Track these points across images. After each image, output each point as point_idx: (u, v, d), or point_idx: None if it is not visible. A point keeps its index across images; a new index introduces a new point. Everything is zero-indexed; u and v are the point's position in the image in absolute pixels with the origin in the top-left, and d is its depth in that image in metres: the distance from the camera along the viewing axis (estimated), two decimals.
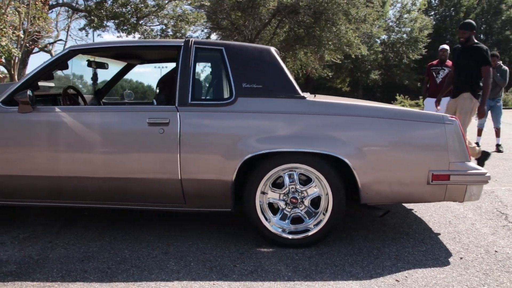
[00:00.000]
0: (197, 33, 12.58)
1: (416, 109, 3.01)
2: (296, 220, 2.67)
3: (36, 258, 2.51)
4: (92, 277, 2.25)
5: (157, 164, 2.62)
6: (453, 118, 2.58)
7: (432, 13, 33.66)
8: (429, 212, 3.37)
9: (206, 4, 10.27)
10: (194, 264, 2.41)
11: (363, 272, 2.30)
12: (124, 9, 9.01)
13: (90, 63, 3.48)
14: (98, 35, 11.61)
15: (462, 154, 2.55)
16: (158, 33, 10.00)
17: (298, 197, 2.63)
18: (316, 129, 2.56)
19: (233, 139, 2.56)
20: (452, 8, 32.49)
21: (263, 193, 2.63)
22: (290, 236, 2.63)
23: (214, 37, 15.46)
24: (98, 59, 3.52)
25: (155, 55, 3.68)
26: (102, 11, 8.91)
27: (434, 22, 31.24)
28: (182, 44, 2.75)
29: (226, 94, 2.66)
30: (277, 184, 2.66)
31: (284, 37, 12.78)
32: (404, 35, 29.88)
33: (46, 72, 2.83)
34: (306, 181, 2.64)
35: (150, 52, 3.42)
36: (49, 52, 14.14)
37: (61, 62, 2.86)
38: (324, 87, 31.47)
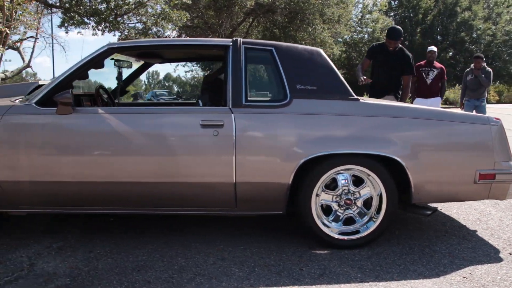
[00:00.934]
0: (167, 32, 12.31)
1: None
2: (348, 221, 2.72)
3: (86, 269, 2.40)
4: None
5: (210, 168, 2.58)
6: (498, 120, 2.73)
7: (392, 14, 34.94)
8: (454, 210, 3.53)
9: (188, 2, 10.09)
10: (259, 270, 2.39)
11: (427, 271, 2.38)
12: (104, 6, 8.66)
13: (115, 62, 3.36)
14: (78, 32, 11.03)
15: (506, 154, 2.69)
16: (140, 31, 9.70)
17: (352, 198, 2.68)
18: (371, 130, 2.62)
19: (289, 141, 2.57)
20: (411, 10, 33.86)
21: (317, 195, 2.66)
22: (345, 238, 2.68)
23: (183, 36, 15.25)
24: (121, 58, 3.40)
25: (195, 54, 3.59)
26: (81, 7, 8.50)
27: (393, 23, 32.42)
28: (231, 44, 2.72)
29: (280, 96, 2.66)
30: (328, 186, 2.70)
31: (261, 36, 12.85)
32: (366, 36, 30.86)
33: (82, 71, 2.72)
34: (357, 182, 2.70)
35: (193, 51, 3.34)
36: (17, 49, 13.35)
37: (98, 60, 2.75)
38: None
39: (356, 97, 2.68)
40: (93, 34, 9.52)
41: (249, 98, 2.62)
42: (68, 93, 2.50)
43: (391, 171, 2.65)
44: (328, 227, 2.68)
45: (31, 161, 2.59)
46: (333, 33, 14.62)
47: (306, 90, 2.63)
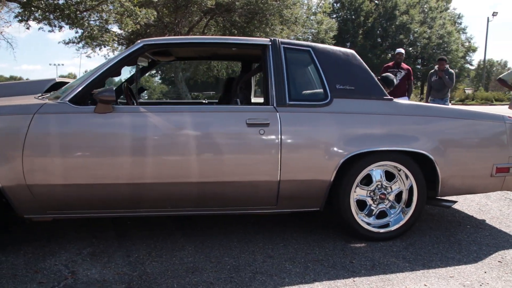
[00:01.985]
0: (115, 28, 11.86)
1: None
2: (380, 215, 2.90)
3: (136, 274, 2.36)
4: None
5: (255, 166, 2.64)
6: (511, 117, 3.03)
7: (334, 16, 36.27)
8: None
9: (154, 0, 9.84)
10: (312, 265, 2.49)
11: (464, 258, 2.61)
12: (64, 1, 8.16)
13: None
14: (40, 28, 10.23)
15: None
16: (103, 29, 9.26)
17: (385, 193, 2.86)
18: (404, 128, 2.81)
19: (332, 139, 2.69)
20: (353, 12, 35.37)
21: (354, 191, 2.80)
22: (380, 230, 2.85)
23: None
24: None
25: (226, 53, 3.60)
26: (42, 1, 7.92)
27: (337, 25, 33.70)
28: (270, 43, 2.79)
29: (321, 95, 2.77)
30: (361, 182, 2.85)
31: (219, 35, 12.86)
32: (310, 37, 31.77)
33: (117, 68, 2.65)
34: (388, 177, 2.88)
35: (226, 50, 3.32)
36: None
37: (133, 57, 2.69)
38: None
39: (390, 97, 2.86)
40: (49, 31, 9.01)
41: (292, 98, 2.71)
42: (112, 90, 2.43)
43: (420, 167, 2.87)
44: (363, 221, 2.84)
45: (66, 163, 2.48)
46: (288, 34, 14.96)
47: (345, 90, 2.77)
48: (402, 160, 2.80)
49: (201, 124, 2.61)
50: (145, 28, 11.98)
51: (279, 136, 2.62)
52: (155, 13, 10.11)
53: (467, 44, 40.60)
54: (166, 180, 2.57)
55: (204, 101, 4.08)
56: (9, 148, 2.43)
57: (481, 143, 2.95)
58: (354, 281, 2.29)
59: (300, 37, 31.49)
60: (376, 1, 35.72)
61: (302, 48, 2.85)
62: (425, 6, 36.65)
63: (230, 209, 2.77)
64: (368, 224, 2.85)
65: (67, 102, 2.52)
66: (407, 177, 2.85)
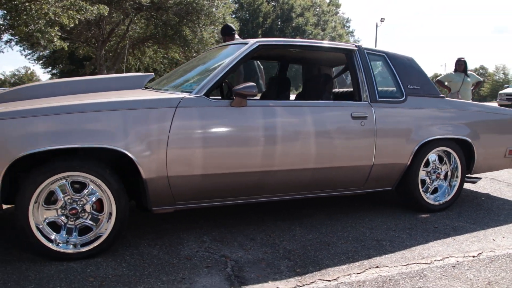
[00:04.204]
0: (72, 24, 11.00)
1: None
2: (434, 190, 3.68)
3: (281, 252, 2.77)
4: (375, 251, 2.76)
5: (358, 153, 3.20)
6: None
7: (234, 16, 37.38)
8: None
9: None
10: (410, 231, 3.14)
11: (499, 238, 3.50)
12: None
13: None
14: None
15: None
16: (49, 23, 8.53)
17: (439, 172, 3.64)
18: (455, 120, 3.62)
19: (409, 129, 3.38)
20: (252, 13, 36.85)
21: None
22: (437, 203, 3.62)
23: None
24: None
25: (316, 57, 4.12)
26: None
27: (239, 24, 34.85)
28: (356, 48, 3.38)
29: (398, 93, 3.43)
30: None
31: (151, 33, 12.71)
32: (216, 35, 32.46)
33: (238, 65, 2.98)
34: (439, 160, 3.68)
35: (322, 53, 3.76)
36: None
37: (250, 56, 3.05)
38: None
39: (442, 95, 3.65)
40: None
41: (380, 95, 3.34)
42: (254, 86, 2.77)
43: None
44: (425, 196, 3.59)
45: (205, 154, 2.73)
46: (213, 33, 15.48)
47: (414, 89, 3.49)
48: (451, 145, 3.61)
49: (317, 116, 3.09)
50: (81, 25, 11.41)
51: (375, 127, 3.23)
52: (107, 8, 9.80)
53: None
54: (287, 167, 3.00)
55: None
56: (155, 140, 2.61)
57: (500, 131, 3.90)
58: (454, 239, 3.01)
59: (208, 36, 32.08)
60: (273, 3, 37.69)
61: (379, 53, 3.49)
62: (318, 9, 39.75)
63: (328, 192, 3.29)
64: (428, 198, 3.60)
65: (203, 96, 2.79)
66: (452, 158, 3.66)
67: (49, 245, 2.51)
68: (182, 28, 12.31)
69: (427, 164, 3.59)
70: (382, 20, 31.69)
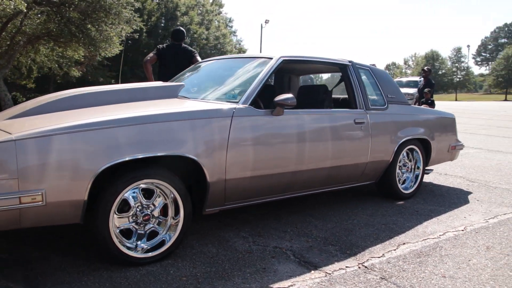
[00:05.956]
0: None
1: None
2: (403, 181, 4.53)
3: (321, 237, 3.29)
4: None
5: (359, 152, 3.86)
6: (452, 114, 5.10)
7: None
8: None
9: None
10: (409, 214, 3.90)
11: (467, 216, 4.47)
12: None
13: None
14: None
15: (457, 136, 5.09)
16: None
17: (408, 166, 4.50)
18: (420, 123, 4.49)
19: (392, 131, 4.15)
20: (136, 11, 35.89)
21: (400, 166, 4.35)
22: (406, 192, 4.47)
23: None
24: None
25: (318, 70, 4.71)
26: None
27: None
28: (350, 63, 4.04)
29: (382, 102, 4.17)
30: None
31: (48, 30, 11.80)
32: (125, 34, 31.03)
33: (268, 78, 3.41)
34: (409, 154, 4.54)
35: (321, 66, 4.25)
36: None
37: (276, 70, 3.50)
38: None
39: (408, 102, 4.51)
40: None
41: (370, 104, 4.04)
42: (294, 98, 3.23)
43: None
44: (400, 186, 4.41)
45: (255, 158, 3.12)
46: (122, 32, 15.12)
47: (392, 98, 4.27)
48: (416, 144, 4.49)
49: (332, 122, 3.66)
50: None
51: (369, 130, 3.92)
52: (24, 4, 8.99)
53: (238, 46, 46.49)
54: (312, 167, 3.53)
55: None
56: (217, 146, 2.94)
57: (445, 131, 4.91)
58: (438, 219, 3.84)
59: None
60: (157, 1, 37.27)
61: (364, 67, 4.20)
62: (202, 8, 40.33)
63: (335, 186, 3.90)
64: (401, 188, 4.43)
65: (249, 106, 3.17)
66: (415, 154, 4.54)
67: (129, 252, 2.68)
68: (87, 26, 11.86)
69: (399, 159, 4.41)
70: (266, 21, 33.48)
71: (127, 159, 2.57)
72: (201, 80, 3.99)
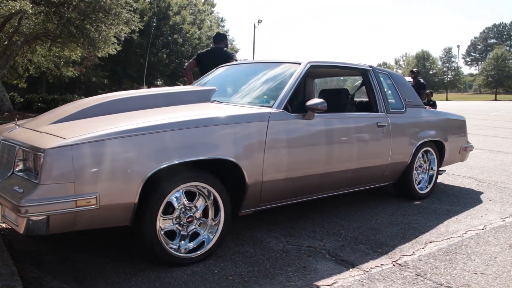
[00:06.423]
0: None
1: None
2: (419, 182, 4.70)
3: (351, 236, 3.44)
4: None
5: (380, 154, 4.01)
6: (463, 116, 5.28)
7: None
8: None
9: None
10: (431, 222, 4.07)
11: (483, 215, 4.65)
12: None
13: None
14: None
15: (467, 137, 5.28)
16: None
17: (424, 168, 4.67)
18: (434, 125, 4.67)
19: (410, 134, 4.31)
20: (128, 10, 35.83)
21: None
22: (422, 192, 4.64)
23: None
24: None
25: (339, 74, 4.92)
26: None
27: None
28: (370, 68, 4.19)
29: (400, 105, 4.33)
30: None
31: (46, 30, 11.80)
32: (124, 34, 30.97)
33: (299, 83, 3.55)
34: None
35: (343, 71, 4.42)
36: None
37: (305, 74, 3.64)
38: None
39: (424, 106, 4.68)
40: None
41: (391, 107, 4.19)
42: (324, 102, 3.36)
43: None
44: (417, 187, 4.58)
45: (289, 160, 3.25)
46: (120, 32, 15.16)
47: (409, 101, 4.44)
48: (431, 146, 4.66)
49: (358, 126, 3.82)
50: None
51: (390, 133, 4.08)
52: (30, 5, 9.01)
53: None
54: (340, 169, 3.67)
55: None
56: (255, 150, 3.07)
57: (457, 133, 5.10)
58: (456, 218, 4.01)
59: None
60: (149, 0, 37.18)
61: (384, 72, 4.36)
62: (194, 8, 40.34)
63: (358, 187, 4.05)
64: (417, 188, 4.60)
65: (283, 110, 3.29)
66: (430, 155, 4.72)
67: (175, 253, 2.80)
68: (86, 26, 11.89)
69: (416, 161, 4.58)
70: (259, 21, 33.58)
71: (175, 162, 2.68)
72: (230, 84, 4.11)
